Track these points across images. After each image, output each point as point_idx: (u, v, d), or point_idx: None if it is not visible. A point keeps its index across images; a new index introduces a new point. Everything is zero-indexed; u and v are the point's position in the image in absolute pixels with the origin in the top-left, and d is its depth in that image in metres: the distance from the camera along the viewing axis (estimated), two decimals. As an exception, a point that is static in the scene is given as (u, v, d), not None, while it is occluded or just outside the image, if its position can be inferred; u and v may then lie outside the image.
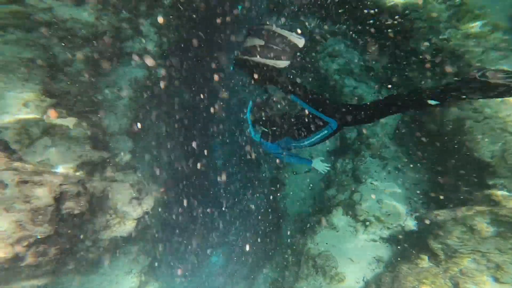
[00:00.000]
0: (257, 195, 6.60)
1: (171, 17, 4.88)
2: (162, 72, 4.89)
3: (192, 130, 6.65)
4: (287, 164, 5.34)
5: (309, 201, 4.97)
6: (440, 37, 3.69)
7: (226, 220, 7.32)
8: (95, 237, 3.49)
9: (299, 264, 3.89)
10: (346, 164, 4.27)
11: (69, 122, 3.49)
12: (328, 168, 3.35)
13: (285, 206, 5.13)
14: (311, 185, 5.01)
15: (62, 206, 2.88)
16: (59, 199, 2.85)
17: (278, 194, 5.35)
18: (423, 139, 3.53)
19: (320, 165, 3.29)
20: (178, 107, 6.00)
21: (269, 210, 5.65)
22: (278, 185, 5.45)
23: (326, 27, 5.12)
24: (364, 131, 4.16)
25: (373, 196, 3.75)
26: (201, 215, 6.94)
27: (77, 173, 3.27)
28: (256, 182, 6.62)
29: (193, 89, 6.45)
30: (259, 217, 6.02)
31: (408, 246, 3.28)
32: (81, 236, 3.29)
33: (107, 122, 4.19)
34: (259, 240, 5.42)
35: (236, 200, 7.38)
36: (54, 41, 3.46)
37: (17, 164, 2.80)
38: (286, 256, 4.28)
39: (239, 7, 7.19)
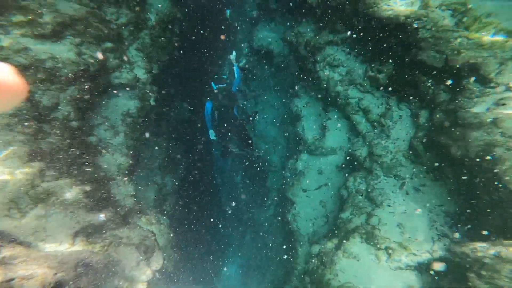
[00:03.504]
0: (267, 211, 6.47)
1: (162, 39, 4.57)
2: (154, 98, 4.60)
3: (194, 153, 6.42)
4: (296, 182, 5.14)
5: (322, 220, 4.80)
6: (450, 47, 3.46)
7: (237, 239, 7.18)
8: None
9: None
10: (359, 184, 4.08)
11: (63, 184, 3.20)
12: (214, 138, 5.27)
13: (298, 226, 4.96)
14: (323, 203, 4.84)
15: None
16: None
17: (289, 213, 5.17)
18: (445, 163, 3.32)
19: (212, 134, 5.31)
20: (176, 131, 5.75)
21: (281, 229, 5.50)
22: (287, 204, 5.28)
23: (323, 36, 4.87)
24: (375, 149, 3.95)
25: (392, 220, 3.57)
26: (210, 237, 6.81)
27: (75, 248, 2.99)
28: (265, 199, 6.46)
29: (190, 109, 6.20)
30: (272, 238, 5.88)
31: (443, 276, 3.08)
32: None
33: (104, 166, 3.90)
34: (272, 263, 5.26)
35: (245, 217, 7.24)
36: (35, 86, 3.13)
37: (3, 254, 2.49)
38: (304, 284, 4.11)
39: (227, 11, 6.91)
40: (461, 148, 2.93)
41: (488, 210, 2.84)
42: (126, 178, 4.17)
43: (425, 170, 3.63)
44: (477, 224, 3.05)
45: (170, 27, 4.77)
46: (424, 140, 3.56)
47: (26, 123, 2.98)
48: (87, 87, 3.47)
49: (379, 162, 3.89)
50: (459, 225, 3.27)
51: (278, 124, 6.64)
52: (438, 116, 3.34)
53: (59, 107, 3.26)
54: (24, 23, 3.02)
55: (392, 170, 3.80)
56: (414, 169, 3.68)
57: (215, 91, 5.52)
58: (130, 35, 4.17)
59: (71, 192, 3.39)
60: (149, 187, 5.35)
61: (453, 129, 3.07)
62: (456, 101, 3.11)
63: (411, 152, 3.76)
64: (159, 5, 4.60)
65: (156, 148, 5.33)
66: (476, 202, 2.96)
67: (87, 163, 3.73)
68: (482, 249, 2.65)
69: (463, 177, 3.07)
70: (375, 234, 3.52)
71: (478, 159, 2.85)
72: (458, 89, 3.20)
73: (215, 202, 7.68)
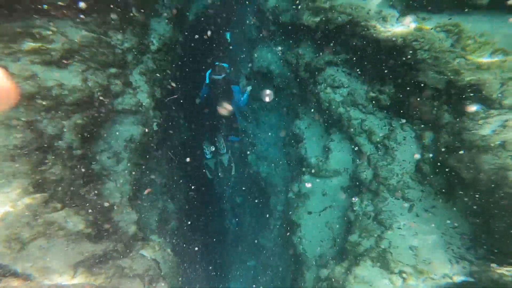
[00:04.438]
0: (271, 233, 6.37)
1: (164, 63, 4.61)
2: (157, 123, 4.59)
3: (196, 175, 6.38)
4: (300, 204, 5.08)
5: (329, 242, 4.71)
6: (450, 68, 3.52)
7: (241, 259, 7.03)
8: None
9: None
10: (366, 206, 4.03)
11: (65, 215, 3.13)
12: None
13: (304, 249, 4.85)
14: (329, 225, 4.76)
15: None
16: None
17: (294, 236, 5.07)
18: (455, 185, 3.29)
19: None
20: (178, 154, 5.72)
21: (286, 251, 5.39)
22: (292, 226, 5.19)
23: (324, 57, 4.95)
24: (380, 171, 3.93)
25: (404, 243, 3.50)
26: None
27: (76, 280, 2.90)
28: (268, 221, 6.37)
29: (192, 130, 6.21)
30: (276, 260, 5.75)
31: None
32: None
33: (108, 193, 3.84)
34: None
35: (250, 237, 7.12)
36: (41, 115, 3.11)
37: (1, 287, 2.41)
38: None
39: (228, 34, 7.04)
40: (472, 171, 2.92)
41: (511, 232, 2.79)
42: (129, 205, 4.10)
43: (434, 192, 3.59)
44: (497, 246, 2.99)
45: (172, 51, 4.83)
46: (431, 162, 3.56)
47: (30, 154, 2.94)
48: (91, 114, 3.46)
49: (385, 184, 3.87)
50: (477, 247, 3.20)
51: (279, 145, 6.63)
52: (443, 138, 3.36)
53: (63, 135, 3.23)
54: (34, 50, 3.04)
55: (399, 192, 3.77)
56: (423, 191, 3.65)
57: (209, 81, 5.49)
58: (133, 59, 4.20)
59: (73, 222, 3.31)
60: (151, 212, 5.26)
61: (460, 152, 3.07)
62: (461, 123, 3.14)
63: (418, 174, 3.74)
64: (162, 30, 4.67)
65: (158, 172, 5.27)
66: (494, 223, 2.91)
67: (90, 191, 3.66)
68: (509, 273, 2.58)
69: (477, 200, 3.04)
70: (387, 257, 3.45)
71: (492, 184, 2.83)
72: (461, 110, 3.23)
73: (218, 224, 7.56)
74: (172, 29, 4.80)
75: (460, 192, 3.26)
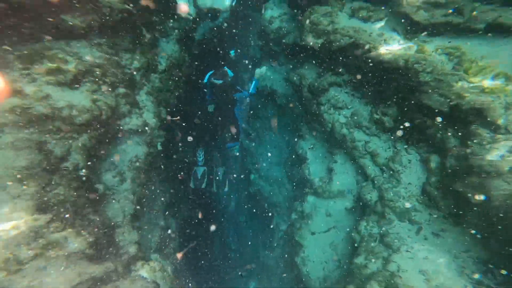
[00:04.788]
0: (273, 253, 6.27)
1: (171, 82, 4.67)
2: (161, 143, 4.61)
3: (198, 194, 6.35)
4: (304, 225, 5.03)
5: (333, 264, 4.64)
6: (453, 91, 3.55)
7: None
8: None
9: None
10: (371, 228, 4.00)
11: (67, 235, 3.09)
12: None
13: (308, 270, 4.77)
14: (333, 246, 4.71)
15: None
16: None
17: (298, 256, 5.00)
18: (465, 209, 3.25)
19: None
20: (180, 173, 5.71)
21: (289, 272, 5.29)
22: (296, 247, 5.13)
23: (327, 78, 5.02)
24: (386, 193, 3.92)
25: (413, 266, 3.42)
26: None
27: None
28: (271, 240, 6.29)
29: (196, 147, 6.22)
30: (279, 281, 5.64)
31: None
32: None
33: (110, 213, 3.81)
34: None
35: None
36: (50, 135, 3.13)
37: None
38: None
39: (232, 52, 7.15)
40: (483, 196, 2.91)
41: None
42: (130, 224, 4.06)
43: (442, 215, 3.56)
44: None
45: (179, 70, 4.90)
46: (438, 186, 3.55)
47: (37, 175, 2.93)
48: (98, 134, 3.47)
49: (391, 206, 3.85)
50: (495, 273, 3.10)
51: (282, 165, 6.63)
52: (449, 162, 3.37)
53: (70, 156, 3.23)
54: (50, 71, 3.09)
55: (406, 215, 3.75)
56: (430, 214, 3.62)
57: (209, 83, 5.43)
58: (141, 79, 4.26)
59: (74, 243, 3.26)
60: (152, 231, 5.20)
61: (469, 177, 3.08)
62: (467, 147, 3.16)
63: (425, 197, 3.72)
64: (170, 50, 4.76)
65: (161, 190, 5.25)
66: (509, 249, 2.86)
67: (93, 211, 3.63)
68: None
69: (489, 224, 3.00)
70: (396, 281, 3.37)
71: (504, 210, 2.81)
72: (467, 134, 3.25)
73: (220, 243, 7.46)
74: (180, 49, 4.90)
75: (470, 216, 3.23)
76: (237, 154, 7.59)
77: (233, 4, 6.88)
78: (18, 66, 3.01)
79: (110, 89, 3.61)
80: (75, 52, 3.32)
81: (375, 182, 4.18)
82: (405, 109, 4.04)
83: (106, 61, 3.50)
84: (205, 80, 5.59)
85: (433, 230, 3.59)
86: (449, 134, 3.49)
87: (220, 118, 5.59)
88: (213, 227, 6.58)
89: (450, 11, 3.99)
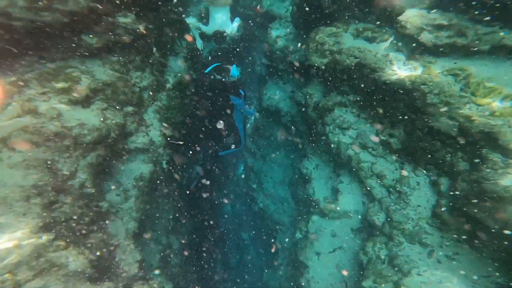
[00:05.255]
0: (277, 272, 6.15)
1: (177, 100, 4.69)
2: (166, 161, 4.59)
3: (202, 212, 6.29)
4: (308, 245, 4.95)
5: (339, 286, 4.53)
6: (462, 114, 3.53)
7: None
8: None
9: None
10: (379, 250, 3.93)
11: (68, 255, 3.03)
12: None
13: (313, 293, 4.67)
14: (339, 267, 4.61)
15: None
16: None
17: (302, 277, 4.89)
18: (480, 233, 3.17)
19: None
20: (184, 191, 5.67)
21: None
22: (300, 267, 5.03)
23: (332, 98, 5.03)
24: (394, 215, 3.87)
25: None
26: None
27: None
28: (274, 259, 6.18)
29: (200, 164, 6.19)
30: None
31: None
32: None
33: (113, 232, 3.75)
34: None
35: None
36: (60, 153, 3.12)
37: None
38: None
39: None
40: (498, 221, 2.86)
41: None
42: (133, 243, 4.00)
43: (456, 238, 3.48)
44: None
45: (186, 88, 4.93)
46: (449, 209, 3.50)
47: (44, 194, 2.90)
48: (105, 153, 3.46)
49: (399, 228, 3.79)
50: None
51: (286, 183, 6.59)
52: (461, 186, 3.33)
53: (77, 174, 3.21)
54: (63, 90, 3.12)
55: (416, 237, 3.68)
56: (443, 237, 3.55)
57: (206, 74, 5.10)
58: (149, 97, 4.29)
59: (76, 262, 3.19)
60: (154, 249, 5.12)
61: (482, 202, 3.04)
62: (479, 172, 3.13)
63: (435, 219, 3.67)
64: (178, 68, 4.80)
65: (164, 208, 5.20)
66: None
67: (96, 230, 3.58)
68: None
69: (507, 249, 2.92)
70: (408, 306, 3.27)
71: None
72: (478, 158, 3.23)
73: (222, 260, 7.33)
74: (187, 67, 4.95)
75: (486, 240, 3.15)
76: (243, 176, 7.53)
77: (238, 30, 6.86)
78: (36, 84, 3.04)
79: (119, 107, 3.63)
80: (89, 70, 3.35)
81: (382, 203, 4.13)
82: (413, 130, 4.02)
83: (117, 79, 3.53)
84: (207, 70, 5.24)
85: (447, 253, 3.48)
86: (459, 157, 3.47)
87: (214, 121, 5.24)
88: (215, 244, 6.48)
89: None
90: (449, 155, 3.57)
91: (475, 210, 3.15)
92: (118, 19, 3.48)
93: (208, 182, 5.89)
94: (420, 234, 3.66)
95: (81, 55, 3.36)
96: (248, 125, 5.86)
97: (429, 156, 3.79)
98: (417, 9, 4.40)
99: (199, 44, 5.45)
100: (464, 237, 3.46)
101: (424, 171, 3.93)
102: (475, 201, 3.14)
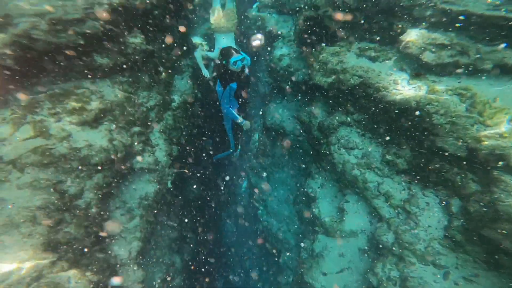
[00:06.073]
0: None
1: (183, 120, 4.70)
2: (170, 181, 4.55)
3: (205, 230, 6.20)
4: (314, 265, 4.83)
5: (347, 309, 4.41)
6: (469, 135, 3.49)
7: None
8: None
9: None
10: (390, 271, 3.84)
11: (70, 276, 2.97)
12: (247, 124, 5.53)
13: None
14: (347, 287, 4.50)
15: None
16: None
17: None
18: (498, 254, 3.12)
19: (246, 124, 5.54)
20: (188, 210, 5.60)
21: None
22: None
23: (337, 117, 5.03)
24: (403, 236, 3.79)
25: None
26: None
27: None
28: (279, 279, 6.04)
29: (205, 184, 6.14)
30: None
31: None
32: None
33: (116, 251, 3.69)
34: None
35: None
36: (67, 174, 3.10)
37: None
38: None
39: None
40: None
41: None
42: (136, 262, 3.93)
43: (472, 259, 3.39)
44: None
45: (191, 107, 4.95)
46: (463, 230, 3.43)
47: (50, 214, 2.87)
48: (111, 173, 3.44)
49: (410, 249, 3.70)
50: None
51: (291, 202, 6.51)
52: (473, 207, 3.28)
53: (83, 195, 3.18)
54: (74, 111, 3.15)
55: (429, 258, 3.58)
56: (457, 258, 3.46)
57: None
58: (155, 117, 4.30)
59: (77, 284, 3.12)
60: (157, 268, 5.02)
61: (497, 223, 2.99)
62: (492, 194, 3.10)
63: (448, 240, 3.59)
64: (183, 87, 4.83)
65: (168, 227, 5.12)
66: None
67: (99, 250, 3.52)
68: None
69: None
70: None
71: None
72: (489, 180, 3.19)
73: (224, 279, 7.17)
74: (192, 86, 4.98)
75: (505, 260, 3.07)
76: (244, 190, 7.47)
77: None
78: (48, 105, 3.08)
79: (126, 128, 3.63)
80: (99, 91, 3.38)
81: (391, 224, 4.06)
82: (420, 151, 3.99)
83: (125, 99, 3.55)
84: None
85: (464, 274, 3.37)
86: (469, 179, 3.42)
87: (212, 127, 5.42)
88: (218, 262, 6.34)
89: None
90: (459, 176, 3.54)
91: (491, 232, 3.08)
92: (128, 39, 3.54)
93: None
94: (434, 255, 3.56)
95: (93, 75, 3.39)
96: (252, 145, 5.86)
97: (438, 176, 3.74)
98: (418, 28, 4.45)
99: (205, 72, 5.52)
100: (481, 258, 3.37)
101: (433, 191, 3.88)
102: (490, 222, 3.09)
